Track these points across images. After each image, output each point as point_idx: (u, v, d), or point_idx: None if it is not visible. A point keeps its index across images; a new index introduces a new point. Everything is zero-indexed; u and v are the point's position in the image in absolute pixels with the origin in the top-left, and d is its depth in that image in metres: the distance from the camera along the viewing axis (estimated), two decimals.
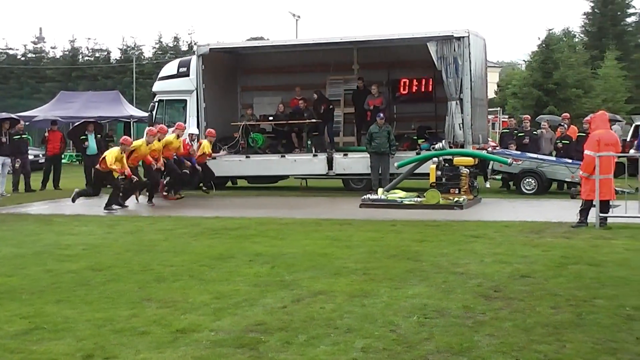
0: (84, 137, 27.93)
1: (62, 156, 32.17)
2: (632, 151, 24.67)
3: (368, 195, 20.50)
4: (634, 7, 65.96)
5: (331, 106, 26.33)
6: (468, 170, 21.09)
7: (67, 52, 69.89)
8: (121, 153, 20.32)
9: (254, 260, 12.23)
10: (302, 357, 6.97)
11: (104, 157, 20.21)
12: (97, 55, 70.56)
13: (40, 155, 33.02)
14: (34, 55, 69.56)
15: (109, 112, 39.84)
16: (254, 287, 10.17)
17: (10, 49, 69.54)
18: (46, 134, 28.71)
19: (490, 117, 30.77)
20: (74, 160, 43.42)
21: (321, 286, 10.11)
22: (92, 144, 27.48)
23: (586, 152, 15.95)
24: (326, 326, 8.05)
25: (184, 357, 7.03)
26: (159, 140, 21.96)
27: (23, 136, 27.31)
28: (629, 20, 65.90)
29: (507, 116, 42.47)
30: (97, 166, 20.50)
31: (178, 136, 23.23)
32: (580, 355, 6.91)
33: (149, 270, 11.53)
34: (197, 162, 23.49)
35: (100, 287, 10.25)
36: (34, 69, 66.63)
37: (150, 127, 23.12)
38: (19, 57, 68.78)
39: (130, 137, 28.59)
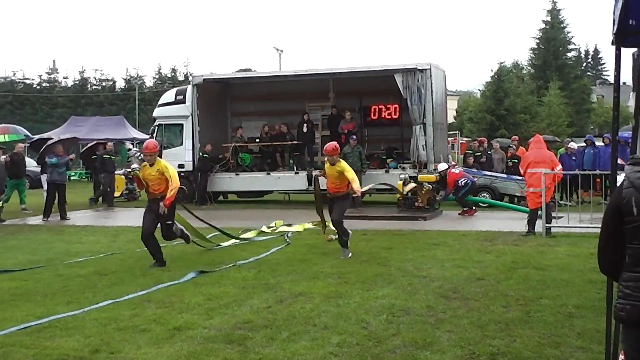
0: (95, 156, 27.86)
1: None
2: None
3: None
4: (573, 43, 66.70)
5: (313, 129, 26.47)
6: (430, 186, 21.19)
7: (77, 82, 69.45)
8: None
9: (241, 266, 12.21)
10: (285, 351, 6.97)
11: None
12: (103, 84, 70.09)
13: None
14: (47, 84, 69.01)
15: (114, 134, 39.72)
16: (242, 289, 10.16)
17: (27, 78, 68.95)
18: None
19: (449, 139, 30.81)
20: (84, 177, 43.25)
21: (301, 288, 10.10)
22: None
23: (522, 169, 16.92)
24: (305, 324, 8.05)
25: (179, 351, 7.01)
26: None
27: (111, 157, 27.19)
28: (569, 55, 66.48)
29: (464, 138, 42.66)
30: None
31: None
32: (528, 349, 6.93)
33: (149, 275, 11.49)
34: None
35: (105, 290, 10.21)
36: (47, 96, 66.10)
37: None
38: (34, 85, 68.17)
39: None
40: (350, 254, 13.12)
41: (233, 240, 15.54)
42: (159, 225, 12.82)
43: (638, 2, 3.79)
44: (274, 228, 17.75)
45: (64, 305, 9.15)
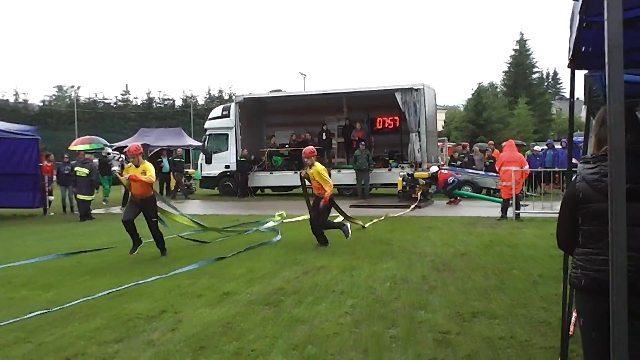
0: (160, 159, 28.19)
1: None
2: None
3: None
4: (537, 67, 66.44)
5: (330, 137, 26.53)
6: (424, 182, 21.18)
7: (145, 101, 70.00)
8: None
9: (275, 245, 12.25)
10: (310, 311, 7.00)
11: None
12: (165, 102, 70.62)
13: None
14: (122, 103, 69.55)
15: (174, 142, 39.82)
16: (275, 263, 10.19)
17: (105, 99, 69.64)
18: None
19: (439, 144, 30.70)
20: None
21: (322, 263, 10.13)
22: (166, 164, 27.78)
23: (497, 167, 17.25)
24: (326, 290, 8.07)
25: (228, 312, 7.06)
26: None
27: (181, 160, 27.60)
28: (534, 76, 66.18)
29: (451, 143, 42.51)
30: None
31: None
32: (502, 309, 6.92)
33: (203, 252, 11.56)
34: None
35: (170, 264, 10.28)
36: (121, 112, 66.62)
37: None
38: (111, 104, 68.78)
39: (189, 160, 28.70)
40: (324, 247, 11.74)
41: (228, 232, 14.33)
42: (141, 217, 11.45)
43: (590, 35, 3.82)
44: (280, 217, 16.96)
45: (138, 276, 9.23)
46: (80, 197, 18.74)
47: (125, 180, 11.28)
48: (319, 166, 11.86)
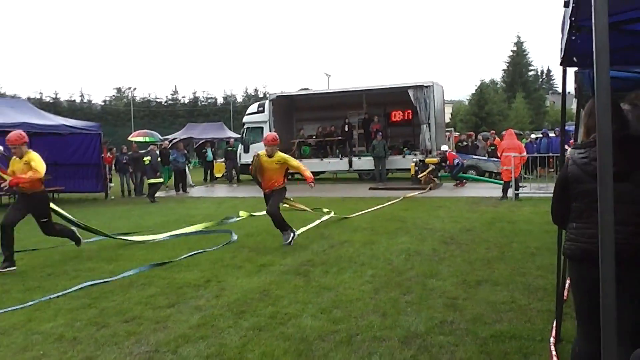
0: (204, 150, 28.34)
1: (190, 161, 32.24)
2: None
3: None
4: (532, 65, 65.37)
5: (352, 129, 26.46)
6: (433, 167, 21.06)
7: (191, 99, 70.16)
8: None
9: (304, 223, 12.25)
10: (335, 280, 7.01)
11: None
12: (209, 100, 70.72)
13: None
14: (171, 102, 69.81)
15: (217, 135, 40.14)
16: (305, 239, 10.21)
17: (158, 98, 69.59)
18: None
19: (446, 133, 30.44)
20: (197, 164, 43.79)
21: (346, 237, 10.13)
22: (209, 154, 27.96)
23: (499, 153, 17.23)
24: (349, 262, 8.08)
25: (264, 281, 7.10)
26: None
27: (234, 149, 27.66)
28: (530, 73, 65.22)
29: (457, 133, 42.15)
30: None
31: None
32: (503, 277, 6.88)
33: (242, 228, 11.61)
34: None
35: (214, 239, 10.34)
36: (171, 110, 66.97)
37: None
38: (162, 103, 69.06)
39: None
40: (290, 238, 9.62)
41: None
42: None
43: (579, 37, 3.77)
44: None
45: (186, 250, 9.29)
46: (149, 181, 19.46)
47: (7, 177, 8.47)
48: (281, 154, 9.79)
